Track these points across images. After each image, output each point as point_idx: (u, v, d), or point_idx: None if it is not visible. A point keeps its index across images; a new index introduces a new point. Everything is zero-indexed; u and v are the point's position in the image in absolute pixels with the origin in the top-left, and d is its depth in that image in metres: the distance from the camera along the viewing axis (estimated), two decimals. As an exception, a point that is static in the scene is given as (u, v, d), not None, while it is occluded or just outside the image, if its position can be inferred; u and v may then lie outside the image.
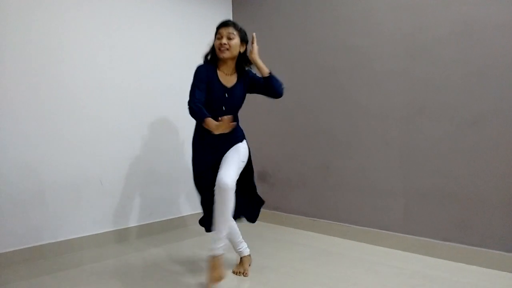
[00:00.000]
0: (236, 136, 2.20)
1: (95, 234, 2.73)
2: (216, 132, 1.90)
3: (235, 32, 2.10)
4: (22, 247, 2.40)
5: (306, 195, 3.15)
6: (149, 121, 3.06)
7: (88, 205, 2.71)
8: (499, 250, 2.22)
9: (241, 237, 2.31)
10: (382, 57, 2.69)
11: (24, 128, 2.42)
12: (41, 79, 2.48)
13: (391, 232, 2.65)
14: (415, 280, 2.10)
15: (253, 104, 3.54)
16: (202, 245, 2.76)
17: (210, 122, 1.91)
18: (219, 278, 1.95)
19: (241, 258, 2.31)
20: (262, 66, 2.18)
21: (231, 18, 3.72)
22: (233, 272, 2.26)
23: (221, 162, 2.09)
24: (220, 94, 2.11)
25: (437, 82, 2.44)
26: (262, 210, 3.44)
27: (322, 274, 2.20)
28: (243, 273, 2.23)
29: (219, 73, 2.14)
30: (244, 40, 2.16)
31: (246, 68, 2.25)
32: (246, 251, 2.32)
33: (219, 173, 1.99)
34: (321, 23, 3.04)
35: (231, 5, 3.73)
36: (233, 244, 2.29)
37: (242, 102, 2.26)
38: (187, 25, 3.31)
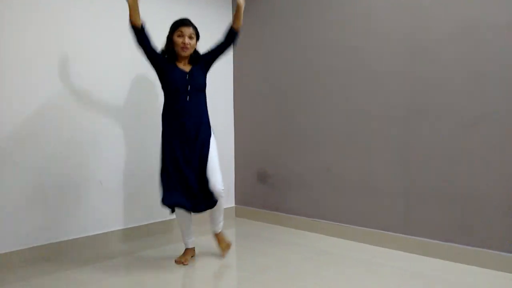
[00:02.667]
0: (206, 128, 2.42)
1: (95, 235, 2.73)
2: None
3: (194, 32, 2.37)
4: (22, 248, 2.40)
5: (306, 195, 3.15)
6: (149, 121, 3.06)
7: (88, 206, 2.71)
8: (500, 251, 2.22)
9: (192, 228, 2.50)
10: (382, 57, 2.69)
11: (24, 129, 2.41)
12: (41, 79, 2.48)
13: (392, 233, 2.64)
14: (416, 281, 2.10)
15: (253, 105, 3.54)
16: (201, 244, 2.75)
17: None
18: (229, 245, 2.56)
19: (186, 248, 2.48)
20: (241, 18, 2.44)
21: (231, 19, 3.71)
22: (175, 262, 2.40)
23: (208, 166, 2.35)
24: (182, 75, 2.34)
25: (438, 83, 2.44)
26: (263, 210, 3.46)
27: (322, 275, 2.20)
28: (183, 262, 2.38)
29: (177, 63, 2.39)
30: (198, 38, 2.42)
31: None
32: (192, 243, 2.50)
33: (211, 179, 2.33)
34: (321, 24, 3.04)
35: (231, 6, 3.72)
36: (184, 235, 2.46)
37: (205, 82, 2.47)
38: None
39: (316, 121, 3.07)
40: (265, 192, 3.45)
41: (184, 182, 2.31)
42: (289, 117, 3.27)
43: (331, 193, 2.98)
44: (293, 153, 3.24)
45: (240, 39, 3.57)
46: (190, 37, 2.33)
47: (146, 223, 3.04)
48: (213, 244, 2.71)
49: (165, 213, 3.14)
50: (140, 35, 2.24)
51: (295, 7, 3.21)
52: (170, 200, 2.31)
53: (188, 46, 2.32)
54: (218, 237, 2.55)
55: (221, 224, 2.53)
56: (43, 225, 2.49)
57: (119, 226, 2.87)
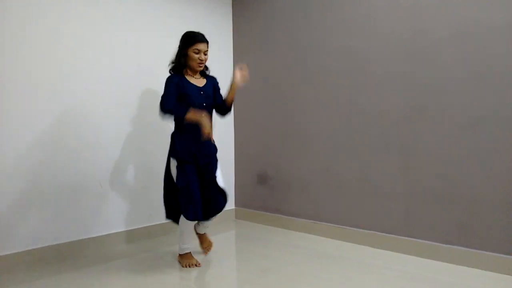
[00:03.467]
0: (214, 144, 2.52)
1: (95, 237, 2.72)
2: (205, 126, 2.24)
3: (207, 48, 2.42)
4: (22, 250, 2.39)
5: (307, 197, 3.15)
6: (149, 123, 3.06)
7: (88, 208, 2.70)
8: (500, 252, 2.22)
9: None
10: (382, 59, 2.69)
11: (24, 131, 2.41)
12: (41, 81, 2.48)
13: (392, 235, 2.64)
14: (416, 283, 2.10)
15: (253, 106, 3.54)
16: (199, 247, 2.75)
17: (193, 114, 2.25)
18: (211, 244, 2.69)
19: (186, 253, 2.45)
20: (234, 95, 2.49)
21: (231, 19, 3.72)
22: (187, 266, 2.40)
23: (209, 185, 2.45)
24: (196, 92, 2.39)
25: (437, 84, 2.44)
26: (263, 212, 3.46)
27: (323, 277, 2.19)
28: (197, 264, 2.41)
29: (188, 78, 2.42)
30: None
31: (211, 74, 2.58)
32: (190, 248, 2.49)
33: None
34: (321, 25, 3.04)
35: (231, 7, 3.73)
36: (188, 241, 2.44)
37: (213, 98, 2.51)
38: (187, 27, 3.29)
39: (316, 122, 3.07)
40: (265, 194, 3.45)
41: (199, 195, 2.35)
42: (289, 118, 3.27)
43: (331, 195, 2.98)
44: (293, 155, 3.24)
45: (241, 40, 3.60)
46: (205, 53, 2.40)
47: (146, 225, 3.04)
48: (213, 248, 2.72)
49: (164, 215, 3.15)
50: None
51: (295, 8, 3.21)
52: (194, 217, 2.32)
53: (204, 62, 2.41)
54: (203, 237, 2.69)
55: (208, 227, 2.68)
56: (43, 227, 2.49)
57: (118, 229, 2.87)
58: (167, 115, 2.31)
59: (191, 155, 2.37)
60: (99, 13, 2.75)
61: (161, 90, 3.14)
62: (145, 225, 3.03)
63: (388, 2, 2.66)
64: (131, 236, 2.93)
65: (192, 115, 2.25)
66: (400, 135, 2.61)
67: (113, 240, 2.82)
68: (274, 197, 3.39)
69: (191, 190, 2.32)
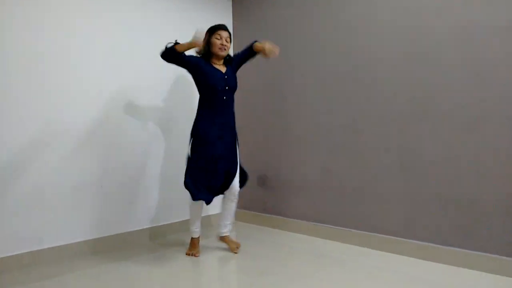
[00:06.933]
0: (235, 129, 2.69)
1: (95, 238, 2.73)
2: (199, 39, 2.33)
3: (229, 37, 2.61)
4: (21, 252, 2.40)
5: (307, 199, 3.14)
6: (149, 124, 3.06)
7: (88, 210, 2.70)
8: (500, 254, 2.21)
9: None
10: (383, 60, 2.68)
11: (24, 131, 2.41)
12: (40, 81, 2.48)
13: (392, 237, 2.64)
14: (416, 285, 2.09)
15: (253, 108, 3.54)
16: (201, 248, 2.75)
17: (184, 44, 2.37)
18: (239, 245, 2.73)
19: (193, 238, 2.69)
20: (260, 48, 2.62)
21: (231, 19, 3.72)
22: (186, 254, 2.64)
23: (231, 166, 2.60)
24: (220, 76, 2.54)
25: (437, 84, 2.44)
26: (263, 214, 3.46)
27: (322, 279, 2.19)
28: (195, 255, 2.61)
29: (213, 64, 2.58)
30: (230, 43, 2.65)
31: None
32: (199, 233, 2.72)
33: (234, 181, 2.63)
34: (321, 26, 3.04)
35: (231, 7, 3.73)
36: (196, 224, 2.69)
37: (237, 82, 2.67)
38: (187, 26, 3.29)
39: (316, 124, 3.07)
40: (265, 196, 3.45)
41: (211, 179, 2.51)
42: (289, 120, 3.26)
43: (332, 197, 2.98)
44: (293, 157, 3.23)
45: (241, 40, 3.59)
46: (227, 40, 2.56)
47: (147, 227, 3.04)
48: (214, 249, 2.71)
49: (165, 217, 3.15)
50: (180, 56, 2.43)
51: (295, 9, 3.20)
52: (197, 197, 2.49)
53: (226, 47, 2.56)
54: (226, 239, 2.76)
55: (230, 227, 2.77)
56: (43, 229, 2.49)
57: (119, 231, 2.87)
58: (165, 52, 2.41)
59: (210, 130, 2.55)
60: (95, 13, 2.75)
61: (161, 90, 3.15)
62: (146, 227, 3.03)
63: (388, 4, 2.65)
64: (132, 238, 2.93)
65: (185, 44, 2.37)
66: (400, 136, 2.60)
67: (113, 242, 2.82)
68: (274, 199, 3.39)
69: (198, 170, 2.57)
